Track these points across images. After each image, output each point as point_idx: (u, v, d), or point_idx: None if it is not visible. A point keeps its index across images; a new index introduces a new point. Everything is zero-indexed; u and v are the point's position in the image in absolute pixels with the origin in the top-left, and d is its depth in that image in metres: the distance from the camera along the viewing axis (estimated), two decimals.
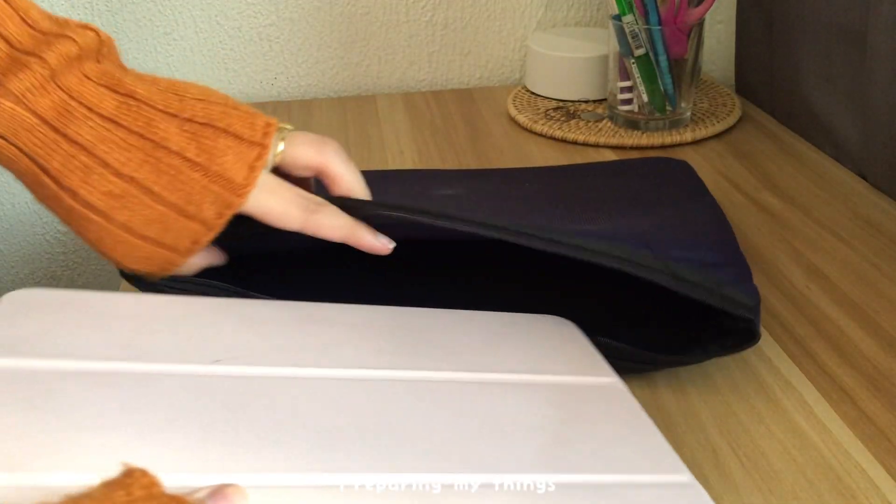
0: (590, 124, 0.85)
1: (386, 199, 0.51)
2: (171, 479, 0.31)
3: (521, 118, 0.86)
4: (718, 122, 0.84)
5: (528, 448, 0.39)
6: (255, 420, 0.38)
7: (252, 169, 0.44)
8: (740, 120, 0.87)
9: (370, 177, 0.67)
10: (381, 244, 0.48)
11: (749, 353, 0.53)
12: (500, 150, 0.82)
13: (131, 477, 0.30)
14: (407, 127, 0.87)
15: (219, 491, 0.32)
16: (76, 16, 0.90)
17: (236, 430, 0.37)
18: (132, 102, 0.43)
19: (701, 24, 0.80)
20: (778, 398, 0.50)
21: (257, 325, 0.44)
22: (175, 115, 0.44)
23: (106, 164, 0.42)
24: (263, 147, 0.45)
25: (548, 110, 0.88)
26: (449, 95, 0.96)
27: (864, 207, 0.70)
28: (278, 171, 0.48)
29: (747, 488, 0.44)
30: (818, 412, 0.49)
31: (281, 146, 0.47)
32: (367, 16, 0.95)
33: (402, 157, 0.80)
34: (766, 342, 0.54)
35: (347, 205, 0.48)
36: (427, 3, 0.95)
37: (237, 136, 0.44)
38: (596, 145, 0.82)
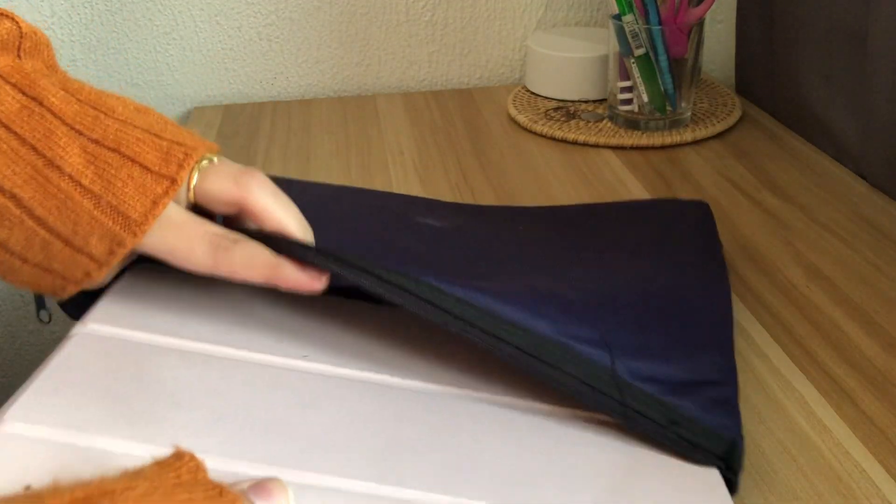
0: (590, 124, 0.85)
1: (338, 233, 0.48)
2: (227, 466, 0.33)
3: (521, 118, 0.86)
4: (718, 122, 0.84)
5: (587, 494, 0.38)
6: (325, 419, 0.38)
7: (155, 205, 0.38)
8: (740, 120, 0.87)
9: (356, 192, 0.66)
10: (307, 280, 0.40)
11: (749, 353, 0.53)
12: (500, 150, 0.82)
13: (181, 460, 0.30)
14: (407, 127, 0.87)
15: (261, 484, 0.32)
16: (76, 15, 0.90)
17: (305, 425, 0.37)
18: (36, 108, 0.38)
19: (701, 23, 0.80)
20: (778, 398, 0.50)
21: (349, 326, 0.45)
22: (81, 133, 0.38)
23: None
24: (173, 182, 0.39)
25: (548, 110, 0.88)
26: (449, 95, 0.96)
27: (865, 207, 0.70)
28: (199, 211, 0.42)
29: (747, 488, 0.43)
30: (818, 412, 0.48)
31: (195, 179, 0.41)
32: (366, 16, 0.95)
33: (402, 157, 0.80)
34: (766, 342, 0.54)
35: (269, 240, 0.41)
36: (427, 3, 0.95)
37: (144, 167, 0.39)
38: (596, 145, 0.82)
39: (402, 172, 0.77)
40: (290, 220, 0.42)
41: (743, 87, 0.94)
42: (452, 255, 0.53)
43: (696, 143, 0.82)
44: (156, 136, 0.40)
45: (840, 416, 0.48)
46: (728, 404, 0.43)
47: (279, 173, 0.78)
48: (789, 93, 0.84)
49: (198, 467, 0.30)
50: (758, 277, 0.60)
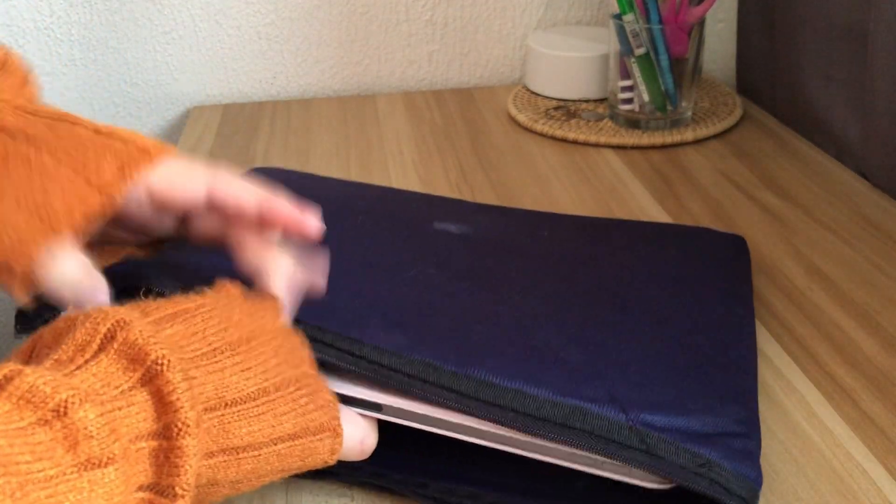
0: (590, 124, 0.85)
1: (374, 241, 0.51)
2: None
3: (521, 118, 0.86)
4: (719, 121, 0.84)
5: None
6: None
7: (126, 167, 0.41)
8: (741, 119, 0.86)
9: (376, 190, 0.65)
10: (298, 217, 0.43)
11: None
12: (500, 150, 0.81)
13: (225, 287, 0.39)
14: (407, 127, 0.87)
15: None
16: (76, 15, 0.90)
17: None
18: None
19: (702, 23, 0.79)
20: (779, 398, 0.50)
21: None
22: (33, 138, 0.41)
23: None
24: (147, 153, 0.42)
25: (548, 110, 0.88)
26: (449, 95, 0.95)
27: (865, 207, 0.70)
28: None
29: None
30: (819, 412, 0.48)
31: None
32: (366, 15, 0.95)
33: (402, 157, 0.80)
34: (767, 342, 0.54)
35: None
36: (427, 2, 0.95)
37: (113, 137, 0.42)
38: (596, 145, 0.82)
39: (402, 172, 0.77)
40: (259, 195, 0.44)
41: (744, 86, 0.94)
42: (464, 283, 0.51)
43: (696, 142, 0.82)
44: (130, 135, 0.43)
45: (841, 416, 0.48)
46: (750, 457, 0.41)
47: None
48: (790, 92, 0.84)
49: (238, 289, 0.39)
50: (758, 277, 0.60)
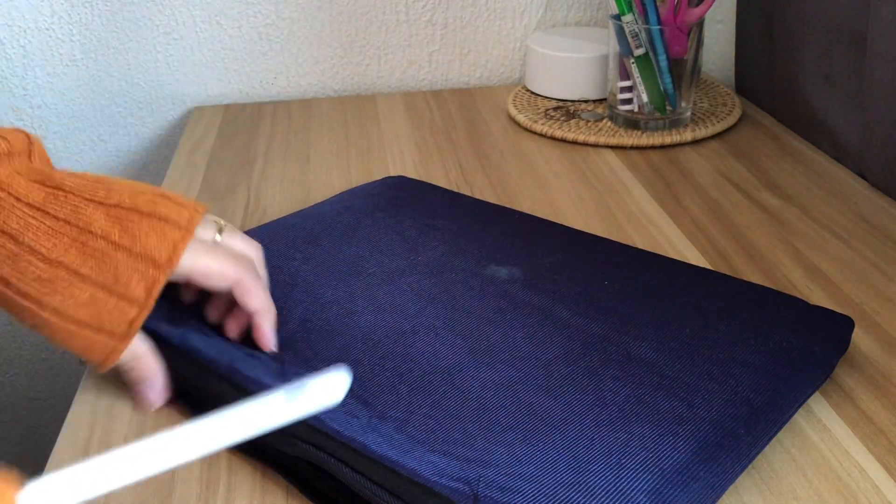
0: (590, 124, 0.85)
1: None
2: None
3: (521, 118, 0.86)
4: (718, 121, 0.84)
5: None
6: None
7: (175, 248, 0.46)
8: (740, 120, 0.87)
9: (439, 194, 0.66)
10: (269, 338, 0.49)
11: None
12: (500, 150, 0.82)
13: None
14: (407, 127, 0.87)
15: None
16: (76, 15, 0.90)
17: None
18: (60, 193, 0.45)
19: (701, 23, 0.80)
20: None
21: None
22: (101, 203, 0.46)
23: (33, 251, 0.44)
24: (188, 231, 0.46)
25: (548, 110, 0.88)
26: (449, 95, 0.96)
27: (864, 207, 0.70)
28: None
29: (747, 488, 0.44)
30: (818, 412, 0.48)
31: (218, 237, 0.49)
32: (367, 16, 0.95)
33: (402, 157, 0.81)
34: None
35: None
36: (427, 3, 0.95)
37: (162, 219, 0.46)
38: (596, 145, 0.82)
39: (402, 172, 0.77)
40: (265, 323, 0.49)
41: (743, 86, 0.94)
42: (491, 357, 0.48)
43: (695, 142, 0.82)
44: (162, 196, 0.47)
45: (840, 416, 0.48)
46: None
47: (279, 173, 0.78)
48: (789, 93, 0.84)
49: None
50: (758, 277, 0.60)
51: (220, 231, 0.50)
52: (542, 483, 0.39)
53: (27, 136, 0.48)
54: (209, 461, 0.46)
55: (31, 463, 1.13)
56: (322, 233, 0.61)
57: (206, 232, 0.49)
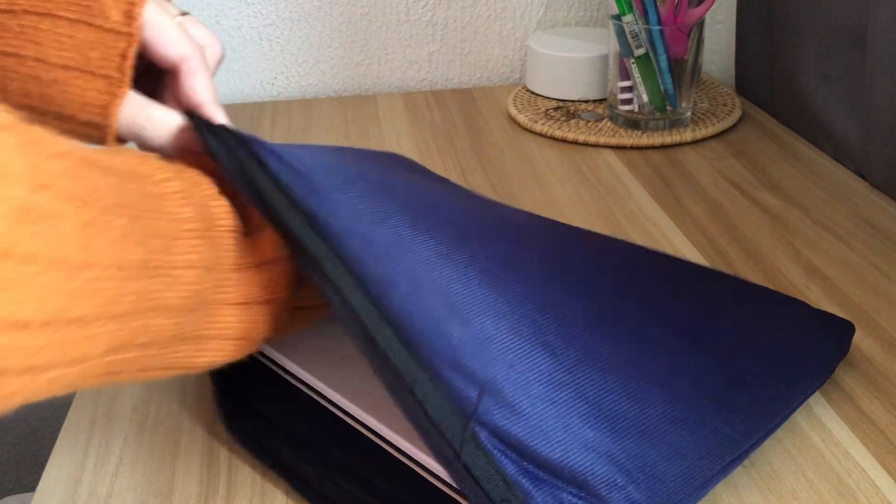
0: (590, 124, 0.85)
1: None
2: None
3: (521, 118, 0.86)
4: (718, 121, 0.84)
5: None
6: None
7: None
8: (740, 120, 0.87)
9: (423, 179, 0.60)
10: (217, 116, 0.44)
11: None
12: (500, 150, 0.82)
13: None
14: (407, 127, 0.87)
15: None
16: None
17: None
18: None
19: (701, 23, 0.80)
20: None
21: None
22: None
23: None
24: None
25: (548, 110, 0.88)
26: (449, 95, 0.96)
27: (864, 207, 0.70)
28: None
29: (747, 488, 0.44)
30: (818, 412, 0.49)
31: (180, 18, 0.45)
32: (367, 16, 0.95)
33: None
34: None
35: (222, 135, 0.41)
36: (427, 3, 0.95)
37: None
38: (596, 145, 0.82)
39: None
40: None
41: (743, 86, 0.94)
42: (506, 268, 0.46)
43: (696, 142, 0.82)
44: None
45: (840, 416, 0.48)
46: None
47: None
48: (789, 93, 0.84)
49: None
50: (758, 277, 0.60)
51: (183, 15, 0.46)
52: (543, 413, 0.38)
53: None
54: (209, 461, 0.46)
55: (31, 463, 1.13)
56: (355, 156, 0.53)
57: (169, 7, 0.45)
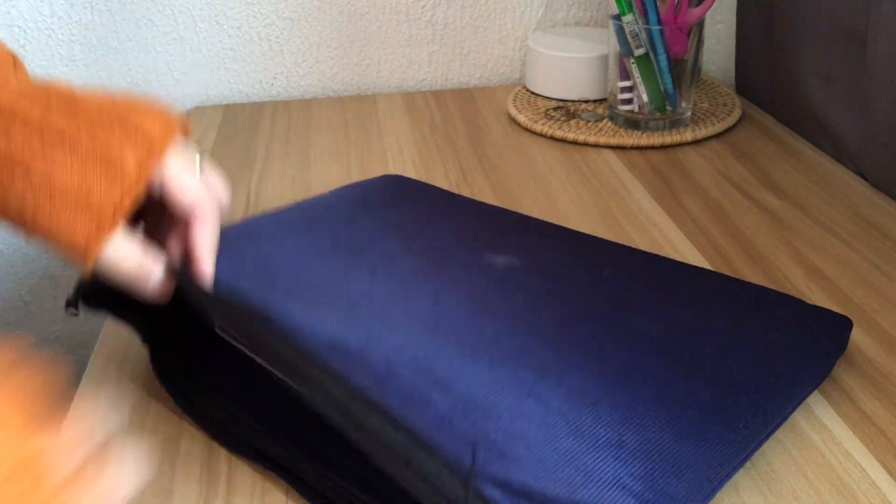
0: (590, 124, 0.85)
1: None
2: None
3: (521, 118, 0.86)
4: (719, 121, 0.84)
5: None
6: None
7: (169, 129, 0.45)
8: (740, 120, 0.87)
9: (437, 194, 0.64)
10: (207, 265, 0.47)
11: None
12: (500, 150, 0.82)
13: None
14: (407, 127, 0.87)
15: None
16: (76, 15, 0.90)
17: None
18: (52, 90, 0.44)
19: (701, 23, 0.80)
20: None
21: None
22: (96, 94, 0.45)
23: (26, 119, 0.43)
24: (180, 122, 0.46)
25: (548, 110, 0.88)
26: (449, 95, 0.96)
27: (864, 207, 0.70)
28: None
29: (747, 488, 0.44)
30: (818, 412, 0.48)
31: (198, 158, 0.48)
32: (367, 16, 0.95)
33: (402, 157, 0.81)
34: None
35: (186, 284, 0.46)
36: (427, 3, 0.95)
37: (156, 108, 0.46)
38: (596, 145, 0.82)
39: (401, 172, 0.77)
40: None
41: (743, 86, 0.94)
42: (497, 333, 0.47)
43: (696, 142, 0.82)
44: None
45: (840, 416, 0.48)
46: None
47: (279, 173, 0.78)
48: (789, 93, 0.84)
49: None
50: (758, 277, 0.60)
51: (198, 156, 0.48)
52: (541, 454, 0.39)
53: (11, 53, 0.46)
54: (209, 461, 0.46)
55: None
56: (320, 219, 0.60)
57: (188, 151, 0.47)
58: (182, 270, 0.47)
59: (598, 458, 0.39)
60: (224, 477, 0.45)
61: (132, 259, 0.45)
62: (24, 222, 0.43)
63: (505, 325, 0.48)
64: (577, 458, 0.39)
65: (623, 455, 0.39)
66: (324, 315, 0.46)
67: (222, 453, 0.47)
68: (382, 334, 0.45)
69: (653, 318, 0.49)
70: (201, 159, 0.48)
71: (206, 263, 0.47)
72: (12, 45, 0.91)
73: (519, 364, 0.44)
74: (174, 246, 0.48)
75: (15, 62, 0.47)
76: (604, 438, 0.40)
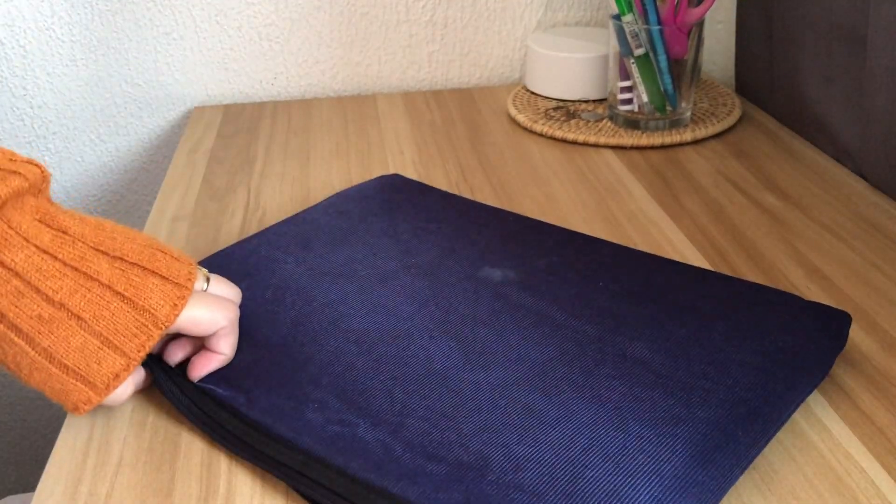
0: (590, 124, 0.85)
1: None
2: None
3: (521, 118, 0.86)
4: (718, 121, 0.84)
5: None
6: None
7: (175, 307, 0.47)
8: (740, 120, 0.87)
9: (433, 196, 0.65)
10: (198, 375, 0.50)
11: None
12: (500, 150, 0.82)
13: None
14: (407, 127, 0.87)
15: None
16: (76, 15, 0.90)
17: None
18: (66, 237, 0.46)
19: (701, 23, 0.80)
20: None
21: None
22: (106, 253, 0.46)
23: (38, 291, 0.44)
24: (186, 289, 0.48)
25: (548, 110, 0.88)
26: (449, 95, 0.96)
27: (864, 207, 0.70)
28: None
29: (747, 488, 0.44)
30: (818, 412, 0.49)
31: (205, 286, 0.50)
32: (367, 16, 0.95)
33: (403, 157, 0.81)
34: None
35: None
36: (427, 3, 0.95)
37: (164, 277, 0.47)
38: (596, 145, 0.82)
39: (401, 172, 0.77)
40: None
41: (743, 87, 0.94)
42: (483, 360, 0.48)
43: (696, 142, 0.82)
44: (160, 250, 0.49)
45: (840, 416, 0.48)
46: None
47: (279, 173, 0.78)
48: (789, 93, 0.84)
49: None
50: (758, 277, 0.60)
51: (208, 280, 0.51)
52: (540, 493, 0.39)
53: (42, 170, 0.48)
54: (209, 461, 0.46)
55: (31, 463, 1.13)
56: (315, 237, 0.61)
57: (198, 283, 0.50)
58: (170, 368, 0.51)
59: (600, 483, 0.40)
60: (224, 477, 0.45)
61: (123, 395, 0.48)
62: (19, 377, 0.46)
63: (498, 346, 0.49)
64: (577, 490, 0.39)
65: (625, 478, 0.40)
66: (322, 427, 0.47)
67: (222, 453, 0.47)
68: (380, 427, 0.45)
69: (648, 340, 0.49)
70: (209, 277, 0.51)
71: (199, 374, 0.50)
72: (12, 45, 0.91)
73: (517, 385, 0.46)
74: (180, 348, 0.51)
75: (41, 189, 0.48)
76: (601, 464, 0.40)
